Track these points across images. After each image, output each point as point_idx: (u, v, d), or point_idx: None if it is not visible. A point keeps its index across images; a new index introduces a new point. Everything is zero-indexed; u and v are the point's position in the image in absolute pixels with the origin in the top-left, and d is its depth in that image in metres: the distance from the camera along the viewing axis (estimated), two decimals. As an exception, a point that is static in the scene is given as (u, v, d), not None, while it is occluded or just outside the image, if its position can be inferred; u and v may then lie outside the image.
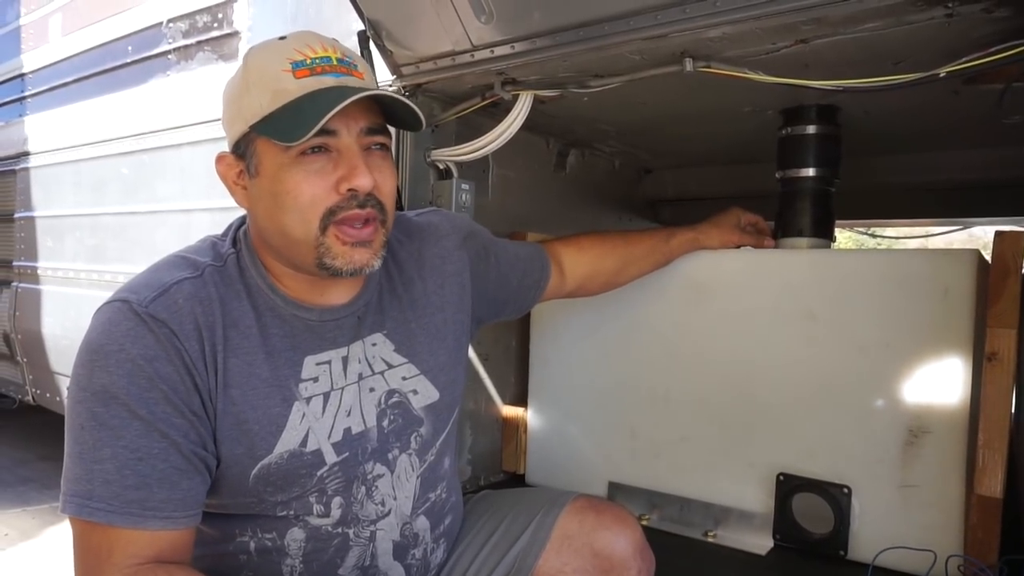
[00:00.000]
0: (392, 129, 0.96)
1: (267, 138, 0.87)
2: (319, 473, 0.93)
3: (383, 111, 0.91)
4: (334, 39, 0.92)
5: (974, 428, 1.23)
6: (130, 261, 2.37)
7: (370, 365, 1.00)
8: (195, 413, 0.86)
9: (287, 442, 0.91)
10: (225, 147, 0.96)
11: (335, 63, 0.88)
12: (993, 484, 1.19)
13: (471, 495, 1.22)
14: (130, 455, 0.81)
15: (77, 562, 0.84)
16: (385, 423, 0.99)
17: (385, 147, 0.93)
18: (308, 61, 0.87)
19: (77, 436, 0.83)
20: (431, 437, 1.04)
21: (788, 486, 1.40)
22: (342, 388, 0.96)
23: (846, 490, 1.34)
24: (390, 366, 1.01)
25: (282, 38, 0.91)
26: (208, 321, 0.87)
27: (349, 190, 0.87)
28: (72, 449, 0.83)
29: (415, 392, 1.03)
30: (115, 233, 2.47)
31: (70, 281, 2.69)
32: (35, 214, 2.94)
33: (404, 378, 1.02)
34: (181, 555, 0.86)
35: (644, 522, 1.54)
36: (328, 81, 0.87)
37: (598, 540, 1.05)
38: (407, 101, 0.90)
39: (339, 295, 0.97)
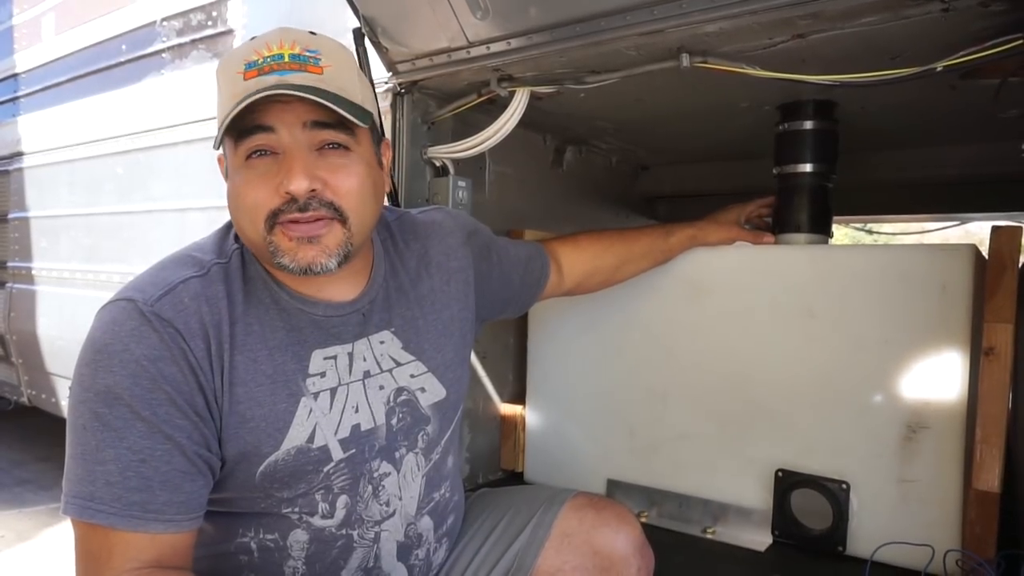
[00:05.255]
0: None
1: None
2: (325, 469, 0.92)
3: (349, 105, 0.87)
4: (308, 33, 0.90)
5: (972, 423, 1.23)
6: (125, 261, 2.36)
7: (378, 363, 0.99)
8: (199, 414, 0.85)
9: (294, 438, 0.90)
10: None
11: (286, 60, 0.85)
12: (991, 479, 1.19)
13: (470, 493, 1.22)
14: (133, 457, 0.81)
15: (78, 564, 0.83)
16: (394, 421, 0.99)
17: (342, 146, 0.88)
18: (259, 61, 0.85)
19: (79, 436, 0.82)
20: (437, 436, 1.04)
21: (787, 482, 1.40)
22: (348, 384, 0.95)
23: (844, 486, 1.34)
24: (398, 364, 1.01)
25: (253, 38, 0.90)
26: (215, 320, 0.87)
27: (287, 192, 0.84)
28: (74, 449, 0.82)
29: (423, 390, 1.02)
30: (110, 233, 2.46)
31: (65, 282, 2.68)
32: (29, 214, 2.93)
33: (412, 376, 1.02)
34: (181, 558, 0.85)
35: (643, 519, 1.54)
36: (269, 81, 0.84)
37: (598, 538, 1.05)
38: (330, 103, 0.83)
39: (340, 291, 0.96)
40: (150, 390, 0.81)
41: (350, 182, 0.88)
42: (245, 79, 0.85)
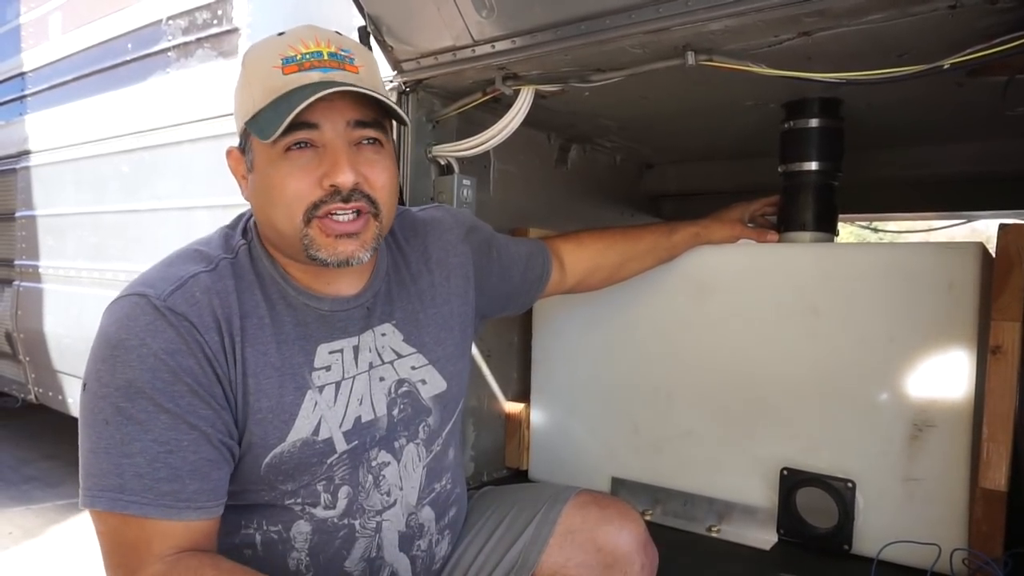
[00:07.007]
0: (393, 123, 0.96)
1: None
2: (328, 461, 0.94)
3: (378, 105, 0.90)
4: (336, 32, 0.92)
5: (978, 422, 1.23)
6: (131, 259, 2.37)
7: (380, 355, 1.00)
8: (219, 403, 0.86)
9: (300, 430, 0.91)
10: (230, 142, 0.97)
11: (326, 57, 0.87)
12: (997, 477, 1.19)
13: (474, 491, 1.22)
14: (160, 448, 0.82)
15: (111, 557, 0.83)
16: (395, 412, 1.00)
17: (378, 141, 0.92)
18: (298, 56, 0.87)
19: (101, 431, 0.82)
20: (438, 427, 1.05)
21: (792, 481, 1.39)
22: (353, 377, 0.97)
23: (850, 484, 1.34)
24: (399, 356, 1.02)
25: (281, 34, 0.91)
26: (226, 313, 0.88)
27: (331, 185, 0.86)
28: (96, 444, 0.82)
29: (423, 382, 1.03)
30: (116, 231, 2.47)
31: (72, 280, 2.69)
32: (36, 213, 2.94)
33: (413, 368, 1.03)
34: (212, 541, 0.87)
35: (647, 517, 1.54)
36: (313, 76, 0.86)
37: (601, 535, 1.05)
38: (384, 98, 0.88)
39: (347, 286, 0.98)
40: (171, 383, 0.82)
41: (384, 177, 0.91)
42: (284, 73, 0.86)
